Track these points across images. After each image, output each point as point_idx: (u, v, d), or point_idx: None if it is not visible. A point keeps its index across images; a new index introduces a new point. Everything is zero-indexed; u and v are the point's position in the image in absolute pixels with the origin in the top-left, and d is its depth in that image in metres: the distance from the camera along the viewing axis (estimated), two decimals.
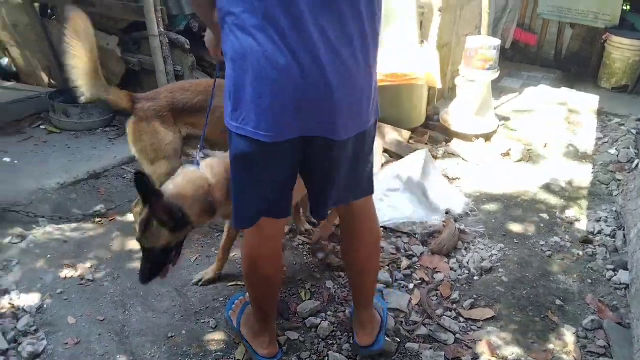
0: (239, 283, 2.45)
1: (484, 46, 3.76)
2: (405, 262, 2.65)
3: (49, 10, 4.40)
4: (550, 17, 5.44)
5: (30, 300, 2.27)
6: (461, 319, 2.31)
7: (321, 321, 2.24)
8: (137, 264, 2.47)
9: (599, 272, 2.60)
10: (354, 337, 2.09)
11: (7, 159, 3.39)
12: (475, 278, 2.56)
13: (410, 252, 2.73)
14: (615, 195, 3.25)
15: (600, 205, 3.19)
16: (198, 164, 1.99)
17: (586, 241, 2.83)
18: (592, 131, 4.15)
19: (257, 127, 1.48)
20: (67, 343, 2.07)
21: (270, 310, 2.00)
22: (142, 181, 1.77)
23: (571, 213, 3.11)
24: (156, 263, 1.92)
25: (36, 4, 4.34)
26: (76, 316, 2.20)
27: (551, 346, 2.16)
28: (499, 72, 3.94)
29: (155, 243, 1.87)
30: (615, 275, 2.55)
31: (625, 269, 2.54)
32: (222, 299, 2.36)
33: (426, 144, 3.89)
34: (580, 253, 2.75)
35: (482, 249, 2.76)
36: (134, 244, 2.57)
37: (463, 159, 3.73)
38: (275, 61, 1.41)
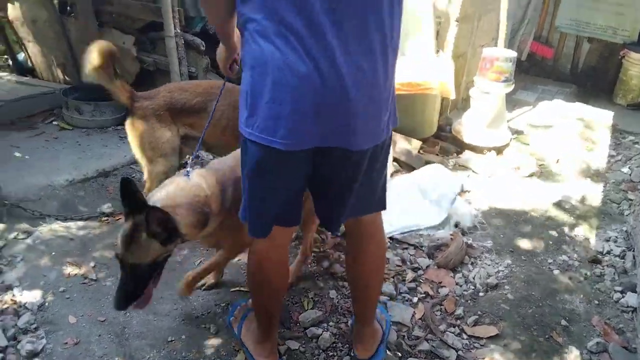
0: (242, 289, 2.44)
1: (500, 58, 3.72)
2: (410, 275, 2.62)
3: (68, 7, 4.44)
4: (568, 30, 5.39)
5: (32, 297, 2.27)
6: (464, 336, 2.28)
7: (322, 331, 2.22)
8: None
9: (606, 294, 2.56)
10: (354, 351, 2.07)
11: (18, 154, 3.42)
12: (481, 294, 2.53)
13: (416, 265, 2.71)
14: (627, 215, 3.20)
15: (610, 224, 3.14)
16: (188, 174, 1.87)
17: (595, 261, 2.79)
18: (605, 148, 4.10)
19: (274, 134, 1.46)
20: (66, 343, 2.07)
21: (274, 318, 1.99)
22: (128, 188, 1.64)
23: (581, 231, 3.06)
24: (138, 284, 1.72)
25: (55, 1, 4.38)
26: (77, 315, 2.20)
27: None
28: (514, 84, 3.90)
29: (142, 258, 1.69)
30: (623, 297, 2.51)
31: (634, 291, 2.49)
32: (224, 304, 2.35)
33: (437, 154, 3.86)
34: (588, 273, 2.70)
35: (489, 265, 2.73)
36: None
37: (474, 171, 3.69)
38: (296, 69, 1.40)
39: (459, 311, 2.40)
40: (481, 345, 2.23)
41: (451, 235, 2.89)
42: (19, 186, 2.97)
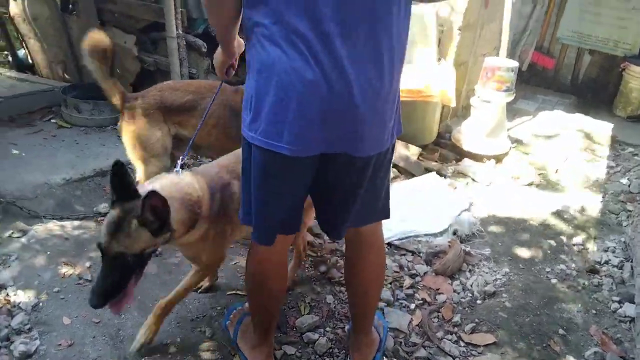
0: (238, 292, 2.43)
1: (501, 67, 3.72)
2: (407, 281, 2.61)
3: (70, 5, 4.43)
4: (569, 42, 5.41)
5: (26, 297, 2.25)
6: (462, 343, 2.26)
7: (319, 337, 2.20)
8: None
9: (604, 303, 2.54)
10: (350, 357, 2.05)
11: (16, 151, 3.40)
12: (478, 302, 2.51)
13: (414, 271, 2.69)
14: (625, 226, 3.20)
15: (608, 235, 3.14)
16: (179, 173, 1.84)
17: (592, 271, 2.78)
18: (604, 159, 4.10)
19: (279, 139, 1.45)
20: (60, 344, 2.04)
21: (271, 323, 1.97)
22: (120, 172, 1.57)
23: (579, 241, 3.05)
24: (120, 278, 1.59)
25: None
26: (71, 317, 2.18)
27: None
28: (515, 94, 3.90)
29: (129, 247, 1.58)
30: (621, 307, 2.50)
31: (632, 301, 2.48)
32: (219, 307, 2.33)
33: (436, 161, 3.85)
34: (586, 282, 2.69)
35: (487, 273, 2.72)
36: None
37: (473, 179, 3.69)
38: (303, 74, 1.39)
39: (457, 318, 2.38)
40: (478, 353, 2.21)
41: (449, 242, 2.88)
42: (16, 184, 2.95)
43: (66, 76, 4.52)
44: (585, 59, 5.45)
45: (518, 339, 2.29)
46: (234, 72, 1.96)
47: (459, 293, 2.57)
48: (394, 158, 3.54)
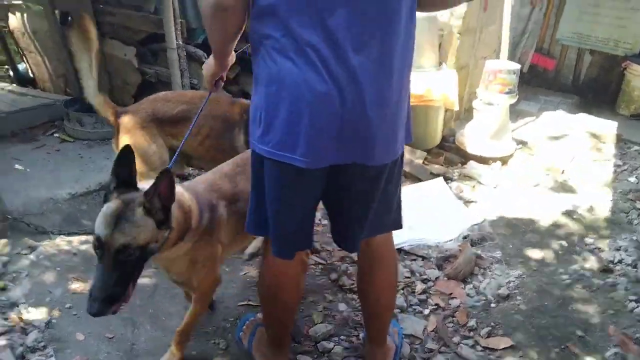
0: (250, 303, 2.40)
1: (503, 70, 3.72)
2: (420, 287, 2.59)
3: (69, 18, 4.42)
4: (569, 43, 5.41)
5: (38, 314, 2.23)
6: (478, 348, 2.24)
7: (334, 345, 2.18)
8: (146, 281, 2.44)
9: (621, 303, 2.52)
10: None
11: (20, 167, 3.38)
12: (492, 305, 2.49)
13: (425, 276, 2.67)
14: (636, 224, 3.18)
15: (620, 234, 3.12)
16: None
17: (606, 270, 2.76)
18: (611, 158, 4.08)
19: (293, 151, 1.44)
20: None
21: (286, 335, 1.95)
22: (127, 159, 1.49)
23: (590, 240, 3.03)
24: (123, 277, 1.45)
25: (56, 12, 4.36)
26: (85, 332, 2.16)
27: None
28: (518, 96, 3.90)
29: (136, 237, 1.45)
30: (638, 306, 2.47)
31: None
32: (232, 319, 2.30)
33: (441, 165, 3.84)
34: (601, 282, 2.67)
35: (500, 275, 2.70)
36: None
37: (479, 182, 3.67)
38: (315, 87, 1.38)
39: (472, 322, 2.36)
40: (496, 357, 2.19)
41: (459, 246, 2.86)
42: (21, 200, 2.94)
43: (67, 90, 4.51)
44: (585, 59, 5.45)
45: (535, 341, 2.27)
46: (222, 84, 1.92)
47: (472, 297, 2.55)
48: None
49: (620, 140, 4.39)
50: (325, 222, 2.93)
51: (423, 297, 2.53)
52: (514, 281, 2.65)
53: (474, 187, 3.63)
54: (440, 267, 2.74)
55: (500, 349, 2.22)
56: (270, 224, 1.64)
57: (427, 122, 3.81)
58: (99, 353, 2.06)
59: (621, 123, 4.58)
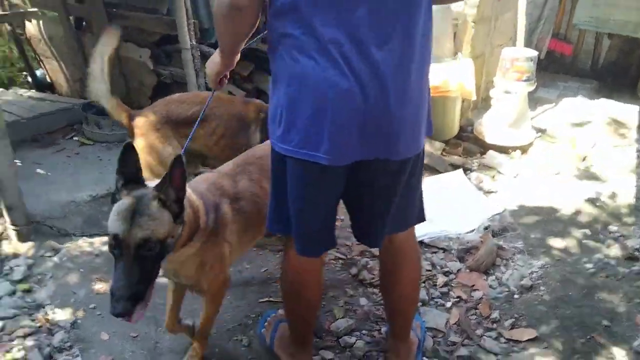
0: (271, 299, 2.41)
1: (520, 58, 3.67)
2: (441, 279, 2.57)
3: (84, 23, 4.47)
4: (586, 27, 5.29)
5: (64, 315, 2.27)
6: (502, 340, 2.21)
7: (356, 340, 2.18)
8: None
9: None
10: None
11: (41, 171, 3.43)
12: (516, 296, 2.46)
13: (447, 269, 2.65)
14: None
15: None
16: None
17: (631, 258, 2.70)
18: (633, 143, 4.00)
19: (316, 149, 1.44)
20: None
21: (309, 332, 1.95)
22: (130, 156, 1.48)
23: (614, 228, 2.98)
24: (144, 273, 1.42)
25: (71, 17, 4.42)
26: (109, 332, 2.18)
27: None
28: (536, 83, 3.84)
29: (155, 231, 1.42)
30: None
31: None
32: (254, 315, 2.32)
33: (460, 156, 3.80)
34: (626, 270, 2.61)
35: (522, 266, 2.66)
36: None
37: (499, 171, 3.63)
38: (337, 84, 1.38)
39: (495, 314, 2.34)
40: (520, 348, 2.17)
41: (481, 237, 2.83)
42: (44, 204, 2.98)
43: (84, 94, 4.56)
44: (604, 43, 5.33)
45: (560, 332, 2.23)
46: (226, 82, 1.92)
47: (495, 288, 2.52)
48: None
49: None
50: (343, 217, 2.92)
51: (445, 289, 2.52)
52: (537, 271, 2.61)
53: (493, 177, 3.59)
54: (461, 259, 2.71)
55: (524, 341, 2.19)
56: (293, 223, 1.64)
57: (445, 112, 3.77)
58: (123, 352, 2.09)
59: None
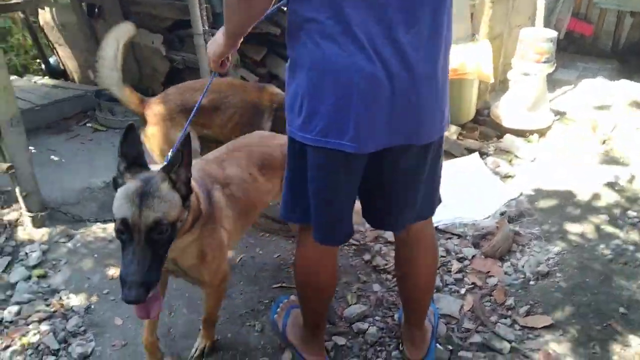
0: (283, 285, 2.41)
1: (539, 38, 3.58)
2: (455, 265, 2.54)
3: (96, 10, 4.47)
4: (608, 5, 5.15)
5: (78, 300, 2.30)
6: (517, 327, 2.18)
7: (369, 326, 2.17)
8: None
9: None
10: (404, 350, 2.01)
11: (55, 157, 3.46)
12: (531, 283, 2.42)
13: (461, 255, 2.62)
14: None
15: None
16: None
17: None
18: None
19: (341, 137, 1.41)
20: (114, 345, 2.08)
21: (322, 319, 1.94)
22: (133, 137, 1.43)
23: (633, 213, 2.91)
24: (158, 257, 1.38)
25: (83, 4, 4.42)
26: (123, 317, 2.21)
27: (615, 357, 2.02)
28: (555, 65, 3.75)
29: (166, 213, 1.37)
30: None
31: None
32: (267, 301, 2.32)
33: (476, 139, 3.74)
34: None
35: (538, 252, 2.62)
36: None
37: (516, 155, 3.57)
38: (364, 69, 1.34)
39: (510, 301, 2.31)
40: (535, 335, 2.14)
41: (497, 223, 2.79)
42: (58, 190, 3.01)
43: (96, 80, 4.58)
44: (626, 22, 5.19)
45: (576, 319, 2.20)
46: (228, 64, 1.88)
47: (510, 275, 2.48)
48: None
49: None
50: None
51: (459, 276, 2.49)
52: (553, 258, 2.57)
53: (510, 161, 3.53)
54: (476, 245, 2.68)
55: (539, 328, 2.16)
56: (313, 213, 1.61)
57: (461, 96, 3.71)
58: (137, 337, 2.10)
59: None
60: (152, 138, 2.48)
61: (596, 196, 3.09)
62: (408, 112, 1.42)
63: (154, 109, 2.48)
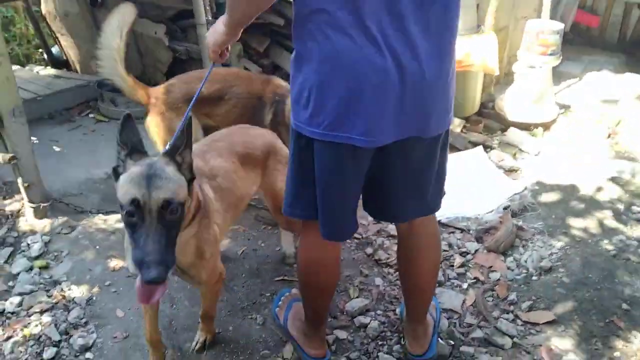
0: (285, 278, 2.40)
1: (545, 31, 3.54)
2: (458, 260, 2.53)
3: (98, 0, 4.44)
4: None
5: (80, 291, 2.30)
6: (519, 322, 2.18)
7: (370, 320, 2.17)
8: None
9: None
10: (405, 344, 2.01)
11: (57, 148, 3.46)
12: (534, 278, 2.41)
13: (464, 249, 2.61)
14: None
15: None
16: None
17: None
18: None
19: (350, 131, 1.40)
20: (115, 337, 2.08)
21: (323, 314, 1.94)
22: (130, 125, 1.43)
23: (637, 209, 2.89)
24: (172, 235, 1.37)
25: None
26: (124, 309, 2.21)
27: (617, 354, 2.01)
28: (561, 57, 3.71)
29: (176, 193, 1.37)
30: None
31: None
32: (268, 294, 2.31)
33: (480, 133, 3.72)
34: None
35: (542, 247, 2.61)
36: None
37: (520, 149, 3.55)
38: (375, 63, 1.33)
39: (512, 296, 2.30)
40: (537, 331, 2.13)
41: (500, 217, 2.77)
42: (61, 181, 3.01)
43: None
44: (634, 13, 5.12)
45: (578, 315, 2.19)
46: (228, 54, 1.85)
47: (513, 270, 2.47)
48: None
49: None
50: None
51: (461, 270, 2.48)
52: (556, 253, 2.56)
53: (514, 154, 3.50)
54: (479, 240, 2.67)
55: (541, 324, 2.15)
56: (320, 208, 1.60)
57: (465, 88, 3.67)
58: (138, 329, 2.10)
59: None
60: (156, 128, 2.48)
61: (600, 191, 3.07)
62: (417, 104, 1.41)
63: (159, 99, 2.47)
